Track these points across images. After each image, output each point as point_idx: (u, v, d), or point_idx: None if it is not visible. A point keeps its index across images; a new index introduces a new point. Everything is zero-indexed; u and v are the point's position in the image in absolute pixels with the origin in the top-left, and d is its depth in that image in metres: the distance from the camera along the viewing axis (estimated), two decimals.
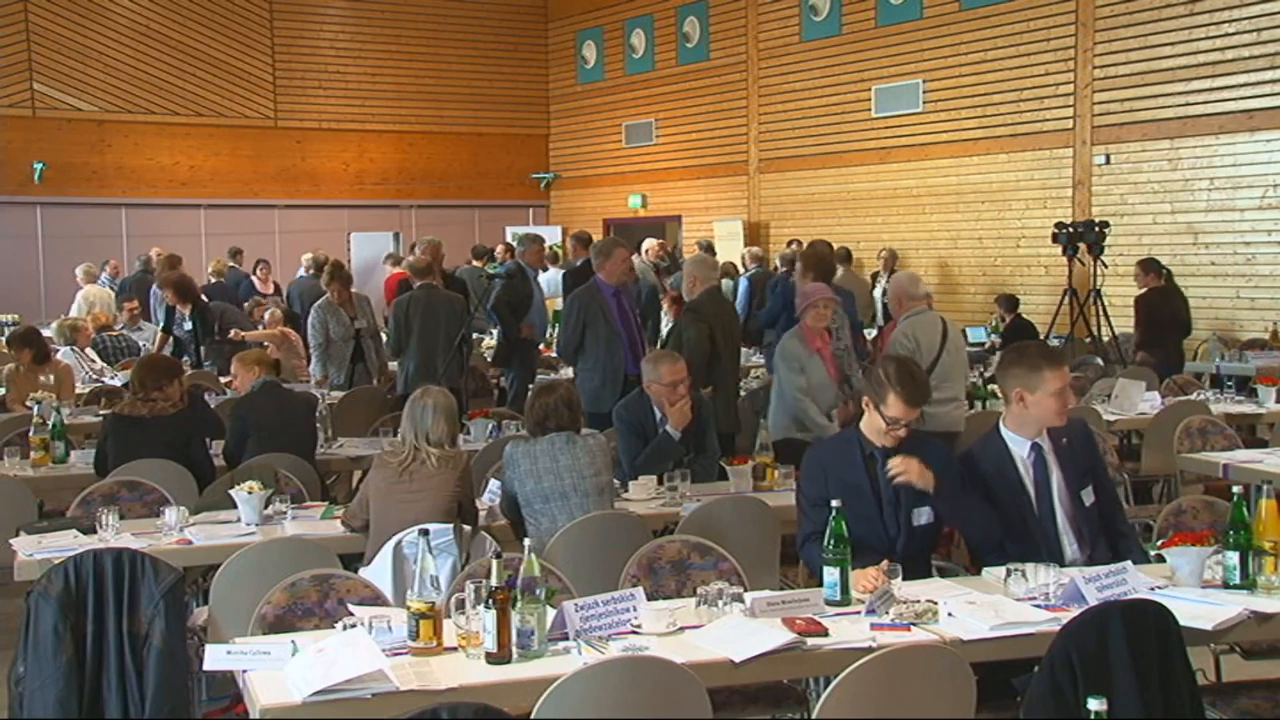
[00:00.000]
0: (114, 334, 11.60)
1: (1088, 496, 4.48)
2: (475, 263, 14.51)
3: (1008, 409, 4.52)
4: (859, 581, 4.03)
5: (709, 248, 15.33)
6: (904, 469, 4.34)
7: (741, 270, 14.36)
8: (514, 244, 15.36)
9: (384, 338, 10.12)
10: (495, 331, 11.13)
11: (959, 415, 7.22)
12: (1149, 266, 11.08)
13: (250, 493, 5.32)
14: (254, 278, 15.29)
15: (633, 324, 8.03)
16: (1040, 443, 4.46)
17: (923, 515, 4.43)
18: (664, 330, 11.27)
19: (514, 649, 3.49)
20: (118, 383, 9.77)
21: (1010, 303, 12.49)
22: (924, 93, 14.93)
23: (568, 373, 10.38)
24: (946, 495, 4.37)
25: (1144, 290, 10.98)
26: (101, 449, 6.49)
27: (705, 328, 7.45)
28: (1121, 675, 3.39)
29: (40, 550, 4.93)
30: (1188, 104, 12.19)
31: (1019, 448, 4.46)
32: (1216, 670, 4.48)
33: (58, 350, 10.00)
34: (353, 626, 3.66)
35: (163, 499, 5.67)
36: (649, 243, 14.90)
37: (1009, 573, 4.07)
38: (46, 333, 10.18)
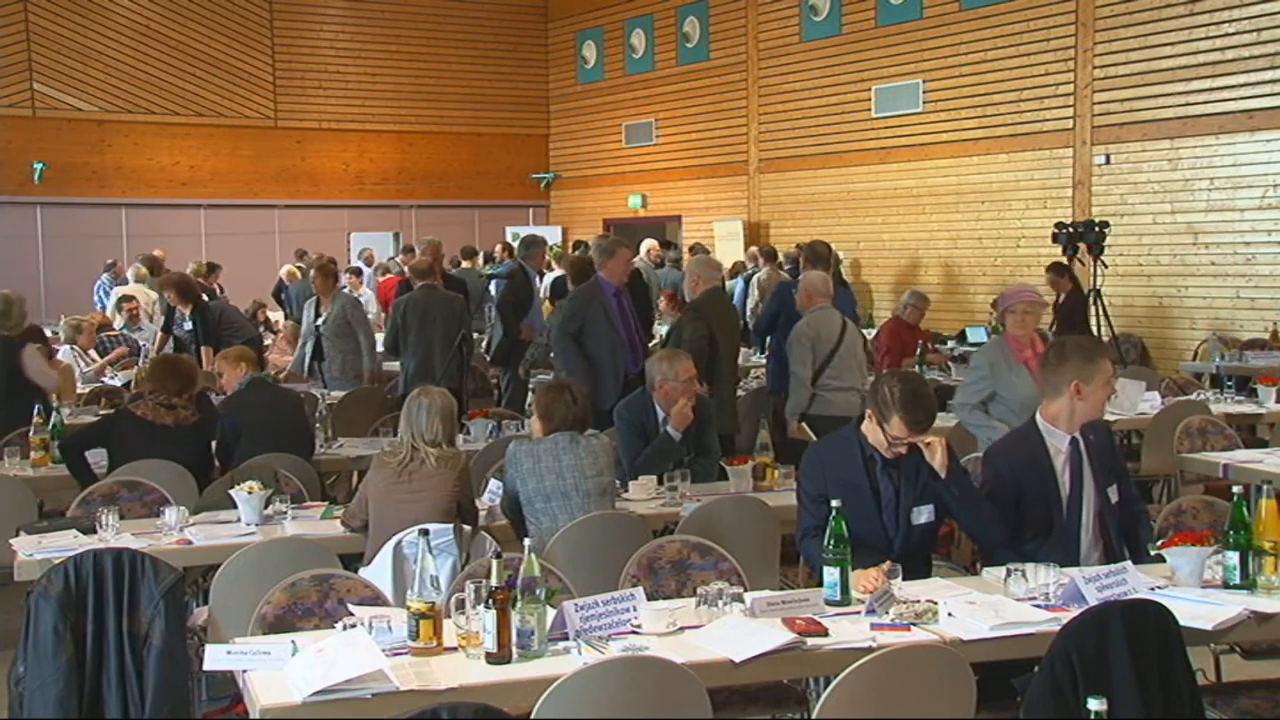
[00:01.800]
0: (114, 334, 11.60)
1: (1113, 494, 4.53)
2: (465, 263, 14.47)
3: (1053, 402, 4.53)
4: (859, 582, 4.03)
5: (701, 249, 15.38)
6: (931, 442, 4.35)
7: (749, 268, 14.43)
8: (513, 244, 15.40)
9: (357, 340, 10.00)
10: (491, 332, 11.11)
11: (855, 402, 7.46)
12: (1062, 270, 11.41)
13: (250, 493, 5.32)
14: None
15: (632, 324, 8.03)
16: (1076, 437, 4.50)
17: (921, 515, 4.44)
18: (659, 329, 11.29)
19: (514, 649, 3.49)
20: (118, 383, 9.77)
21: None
22: (924, 93, 14.93)
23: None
24: (958, 482, 4.37)
25: (1064, 296, 11.41)
26: (89, 440, 6.43)
27: (704, 326, 7.46)
28: (1121, 675, 3.39)
29: (40, 550, 4.93)
30: (1188, 104, 12.18)
31: (1058, 442, 4.50)
32: (1216, 670, 4.48)
33: (59, 349, 10.00)
34: (353, 626, 3.66)
35: (163, 499, 5.67)
36: (648, 243, 14.94)
37: (1009, 573, 4.07)
38: (48, 332, 10.18)
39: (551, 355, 8.44)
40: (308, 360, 9.95)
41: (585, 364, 7.65)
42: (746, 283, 13.48)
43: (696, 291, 7.85)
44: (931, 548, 4.59)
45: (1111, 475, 4.57)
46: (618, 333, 7.80)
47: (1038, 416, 4.58)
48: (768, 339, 8.95)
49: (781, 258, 13.87)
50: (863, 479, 4.43)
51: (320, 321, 9.86)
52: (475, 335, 11.17)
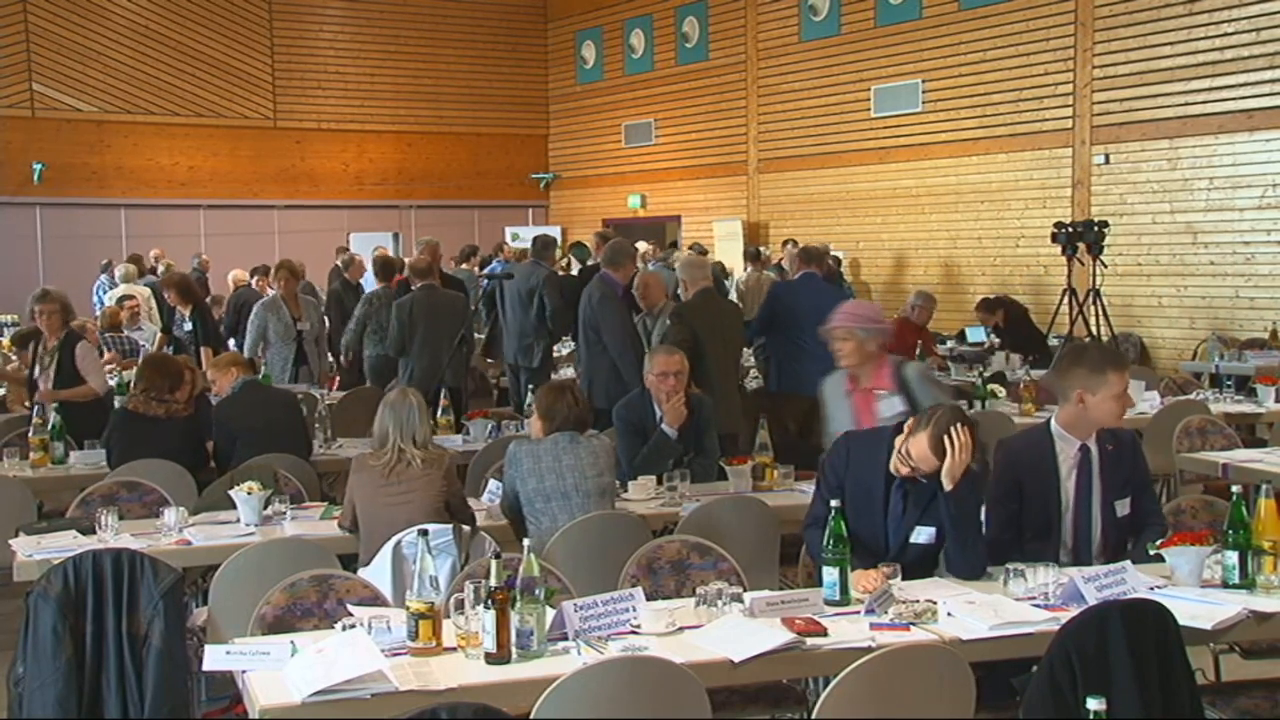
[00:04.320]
0: (119, 335, 11.57)
1: (1122, 508, 4.44)
2: (464, 265, 14.42)
3: (1063, 408, 4.48)
4: (859, 582, 4.02)
5: (700, 250, 15.40)
6: (961, 456, 4.16)
7: (742, 272, 14.42)
8: (516, 244, 15.37)
9: (328, 336, 10.08)
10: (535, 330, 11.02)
11: None
12: (991, 306, 11.86)
13: (250, 493, 5.32)
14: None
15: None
16: (1089, 445, 4.44)
17: (921, 535, 4.34)
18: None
19: (513, 649, 3.49)
20: (113, 383, 9.74)
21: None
22: (923, 93, 14.93)
23: (568, 373, 10.42)
24: (960, 500, 4.21)
25: (1003, 316, 11.76)
26: (109, 445, 6.52)
27: (686, 329, 7.50)
28: (1121, 675, 3.39)
29: (40, 551, 4.93)
30: (1187, 104, 12.19)
31: (1067, 446, 4.45)
32: (1216, 670, 4.48)
33: None
34: (352, 627, 3.66)
35: (162, 499, 5.67)
36: (643, 245, 14.95)
37: (1008, 573, 4.07)
38: None
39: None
40: (290, 365, 9.75)
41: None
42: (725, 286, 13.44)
43: (688, 294, 7.92)
44: (928, 569, 4.40)
45: (1126, 489, 4.47)
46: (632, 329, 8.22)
47: (1052, 420, 4.51)
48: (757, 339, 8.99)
49: (784, 259, 13.85)
50: (879, 483, 4.36)
51: (307, 326, 9.79)
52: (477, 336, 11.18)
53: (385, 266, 10.91)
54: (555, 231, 19.89)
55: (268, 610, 4.00)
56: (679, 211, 19.08)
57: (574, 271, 13.01)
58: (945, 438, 4.16)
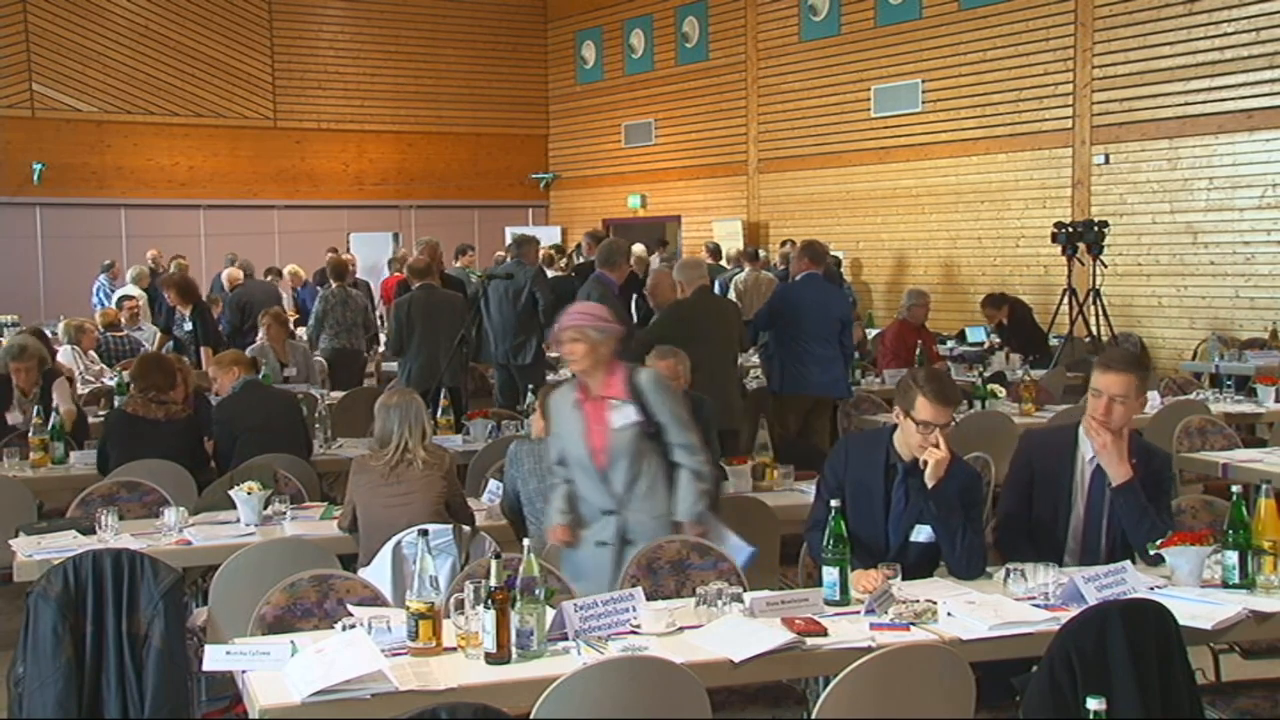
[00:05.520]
0: (119, 334, 11.57)
1: None
2: (456, 263, 14.44)
3: None
4: (859, 582, 4.03)
5: (716, 250, 15.44)
6: (936, 453, 4.24)
7: (728, 267, 14.46)
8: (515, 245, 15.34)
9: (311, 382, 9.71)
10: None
11: None
12: (998, 302, 11.90)
13: (249, 493, 5.32)
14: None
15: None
16: None
17: (922, 534, 4.36)
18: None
19: (513, 649, 3.49)
20: (114, 382, 9.76)
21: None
22: (923, 93, 14.93)
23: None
24: (941, 504, 4.26)
25: (1007, 313, 11.82)
26: (104, 447, 6.51)
27: (681, 328, 7.51)
28: (1120, 675, 3.39)
29: (40, 551, 4.93)
30: (1187, 104, 12.19)
31: (1085, 448, 4.43)
32: (1216, 670, 4.48)
33: (59, 350, 9.99)
34: (352, 627, 3.66)
35: (162, 499, 5.67)
36: (638, 248, 14.97)
37: (1008, 573, 4.07)
38: (48, 333, 10.16)
39: None
40: None
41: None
42: (725, 286, 13.43)
43: (686, 294, 7.95)
44: (928, 569, 4.42)
45: None
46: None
47: (1082, 422, 4.48)
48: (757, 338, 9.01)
49: (777, 258, 13.86)
50: (878, 484, 4.38)
51: (294, 373, 9.58)
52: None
53: (336, 268, 11.74)
54: (555, 232, 19.95)
55: (268, 610, 4.00)
56: (679, 211, 19.08)
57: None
58: (924, 446, 4.26)
